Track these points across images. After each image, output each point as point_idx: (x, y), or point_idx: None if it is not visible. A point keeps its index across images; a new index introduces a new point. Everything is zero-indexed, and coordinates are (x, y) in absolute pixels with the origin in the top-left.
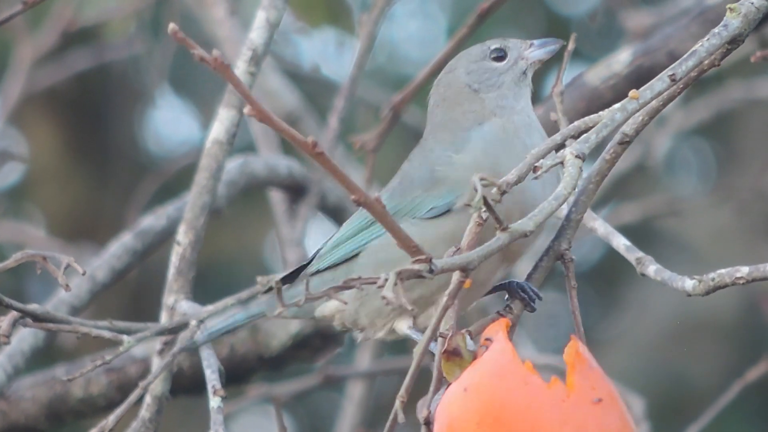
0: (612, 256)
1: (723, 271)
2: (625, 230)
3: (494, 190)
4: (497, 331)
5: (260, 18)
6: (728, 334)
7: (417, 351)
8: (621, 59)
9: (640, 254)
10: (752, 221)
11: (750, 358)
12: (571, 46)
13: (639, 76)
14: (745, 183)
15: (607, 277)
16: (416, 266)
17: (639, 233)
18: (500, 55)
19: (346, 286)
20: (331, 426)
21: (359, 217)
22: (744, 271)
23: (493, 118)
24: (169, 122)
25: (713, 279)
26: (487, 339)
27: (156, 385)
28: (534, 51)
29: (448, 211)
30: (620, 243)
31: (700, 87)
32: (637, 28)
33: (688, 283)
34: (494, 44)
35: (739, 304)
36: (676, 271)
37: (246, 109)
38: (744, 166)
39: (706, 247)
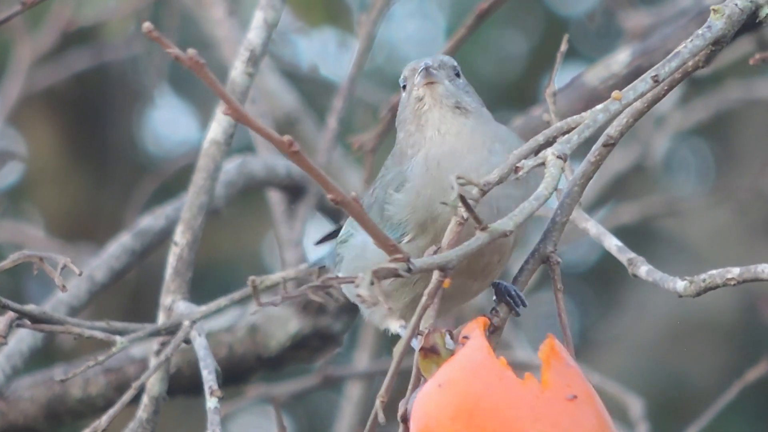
0: (610, 256)
1: (714, 272)
2: (624, 230)
3: (474, 190)
4: (474, 328)
5: (258, 18)
6: (727, 335)
7: (396, 350)
8: (620, 60)
9: (632, 255)
10: (751, 221)
11: (749, 358)
12: (563, 47)
13: (638, 77)
14: (744, 183)
15: (606, 277)
16: (393, 265)
17: (637, 233)
18: (403, 85)
19: (324, 285)
20: (330, 426)
21: (350, 224)
22: (735, 272)
23: (417, 153)
24: (167, 122)
25: (704, 280)
26: (464, 337)
27: (153, 386)
28: (417, 77)
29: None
30: (612, 244)
31: (699, 87)
32: (635, 28)
33: (679, 284)
34: (403, 72)
35: (738, 304)
36: (675, 271)
37: (223, 109)
38: (743, 167)
39: (704, 247)
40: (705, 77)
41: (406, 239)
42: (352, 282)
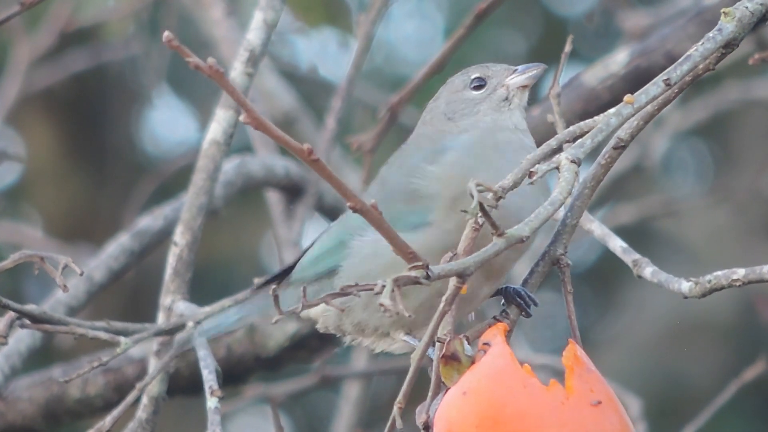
0: (609, 256)
1: (719, 273)
2: (622, 231)
3: (490, 195)
4: (495, 335)
5: (257, 19)
6: (725, 335)
7: (415, 356)
8: (618, 60)
9: (637, 256)
10: (749, 222)
11: (747, 358)
12: (567, 48)
13: (636, 77)
14: (743, 184)
15: (605, 277)
16: (413, 273)
17: (636, 234)
18: (480, 84)
19: (343, 293)
20: (328, 426)
21: (340, 230)
22: (740, 273)
23: (472, 131)
24: (166, 123)
25: (709, 281)
26: (485, 343)
27: (153, 386)
28: (515, 77)
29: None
30: (617, 245)
31: (698, 88)
32: (634, 28)
33: (685, 286)
34: (475, 73)
35: (736, 304)
36: (673, 272)
37: (242, 117)
38: (741, 167)
39: (703, 248)
40: (704, 78)
41: (430, 217)
42: (371, 289)
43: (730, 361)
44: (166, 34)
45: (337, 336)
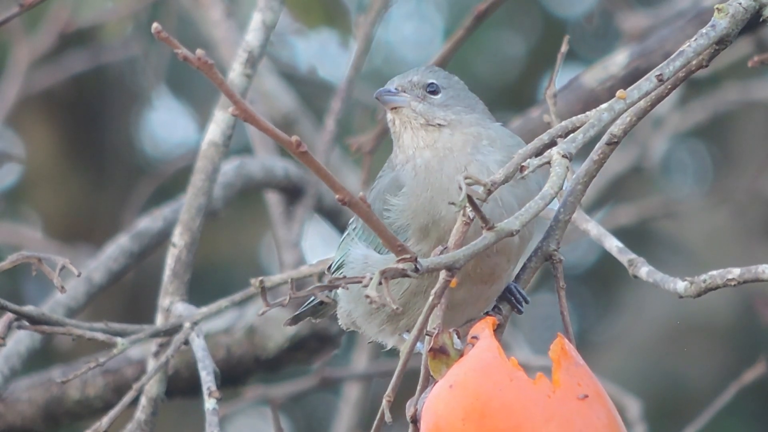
0: (608, 258)
1: (714, 272)
2: (621, 232)
3: (480, 189)
4: (483, 328)
5: (256, 20)
6: (724, 336)
7: (403, 350)
8: (617, 61)
9: (632, 256)
10: (748, 223)
11: (746, 359)
12: (563, 48)
13: (635, 78)
14: (741, 185)
15: (604, 279)
16: (401, 265)
17: (635, 235)
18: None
19: (330, 286)
20: (328, 427)
21: (345, 240)
22: (735, 272)
23: (406, 164)
24: (165, 124)
25: (705, 281)
26: (473, 337)
27: (151, 387)
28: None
29: None
30: (612, 245)
31: (697, 89)
32: (633, 29)
33: (680, 285)
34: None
35: (735, 305)
36: (673, 273)
37: (231, 109)
38: (740, 168)
39: (702, 248)
40: (703, 79)
41: (406, 240)
42: (360, 282)
43: (730, 363)
44: (155, 25)
45: (351, 330)
